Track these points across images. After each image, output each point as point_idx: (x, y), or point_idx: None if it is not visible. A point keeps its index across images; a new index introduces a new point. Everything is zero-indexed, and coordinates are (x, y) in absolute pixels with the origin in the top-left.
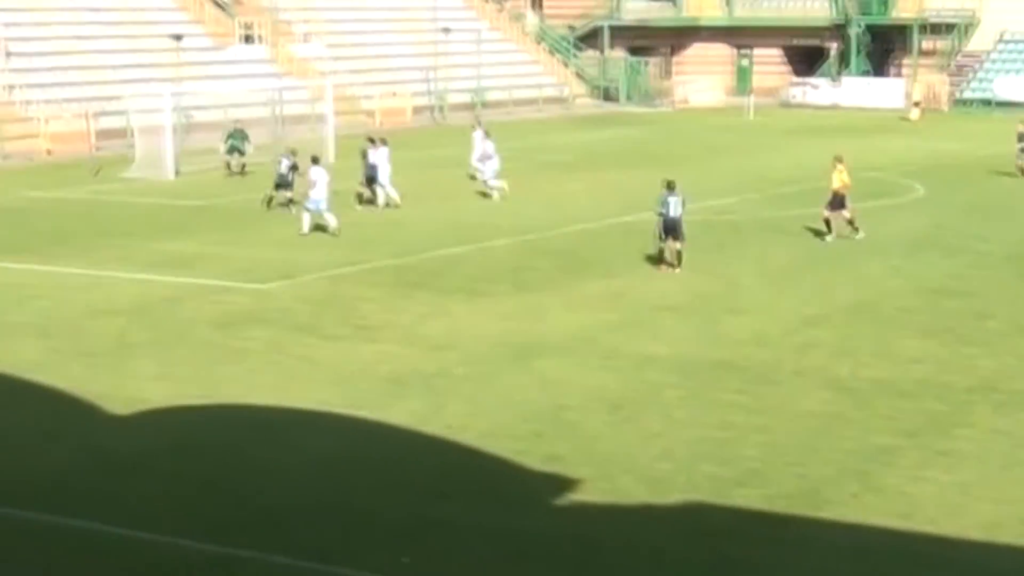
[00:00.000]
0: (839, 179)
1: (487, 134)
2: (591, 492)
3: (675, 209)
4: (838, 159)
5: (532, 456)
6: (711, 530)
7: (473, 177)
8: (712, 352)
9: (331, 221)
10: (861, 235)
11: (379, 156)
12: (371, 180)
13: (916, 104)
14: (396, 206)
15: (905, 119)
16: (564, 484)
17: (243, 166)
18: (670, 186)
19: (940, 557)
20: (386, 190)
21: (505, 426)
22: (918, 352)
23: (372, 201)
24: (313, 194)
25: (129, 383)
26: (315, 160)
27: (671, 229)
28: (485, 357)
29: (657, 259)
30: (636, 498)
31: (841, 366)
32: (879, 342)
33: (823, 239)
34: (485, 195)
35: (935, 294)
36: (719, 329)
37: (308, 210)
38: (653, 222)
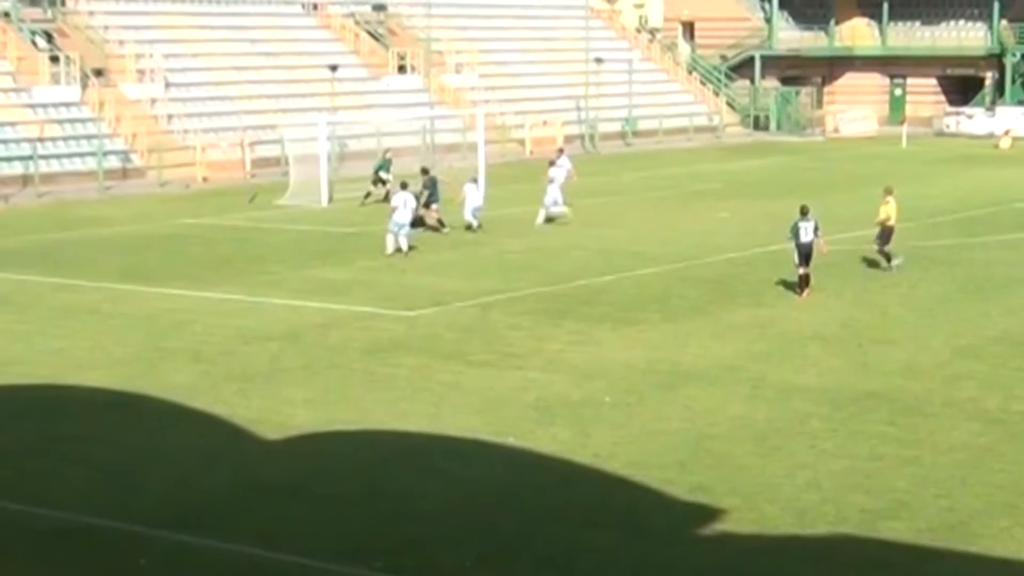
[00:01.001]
0: (886, 212)
1: (552, 161)
2: (737, 522)
3: (806, 234)
4: (888, 191)
5: (678, 486)
6: (858, 562)
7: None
8: (861, 383)
9: (403, 243)
10: (897, 261)
11: (472, 190)
12: (426, 205)
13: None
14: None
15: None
16: (710, 514)
17: (386, 193)
18: (803, 211)
19: None
20: (466, 218)
21: (652, 455)
22: None
23: (435, 226)
24: (396, 217)
25: (281, 408)
26: (404, 186)
27: (805, 254)
28: (632, 386)
29: (799, 285)
30: (782, 529)
31: (992, 398)
32: None
33: (883, 269)
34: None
35: None
36: (868, 359)
37: (391, 232)
38: (790, 249)
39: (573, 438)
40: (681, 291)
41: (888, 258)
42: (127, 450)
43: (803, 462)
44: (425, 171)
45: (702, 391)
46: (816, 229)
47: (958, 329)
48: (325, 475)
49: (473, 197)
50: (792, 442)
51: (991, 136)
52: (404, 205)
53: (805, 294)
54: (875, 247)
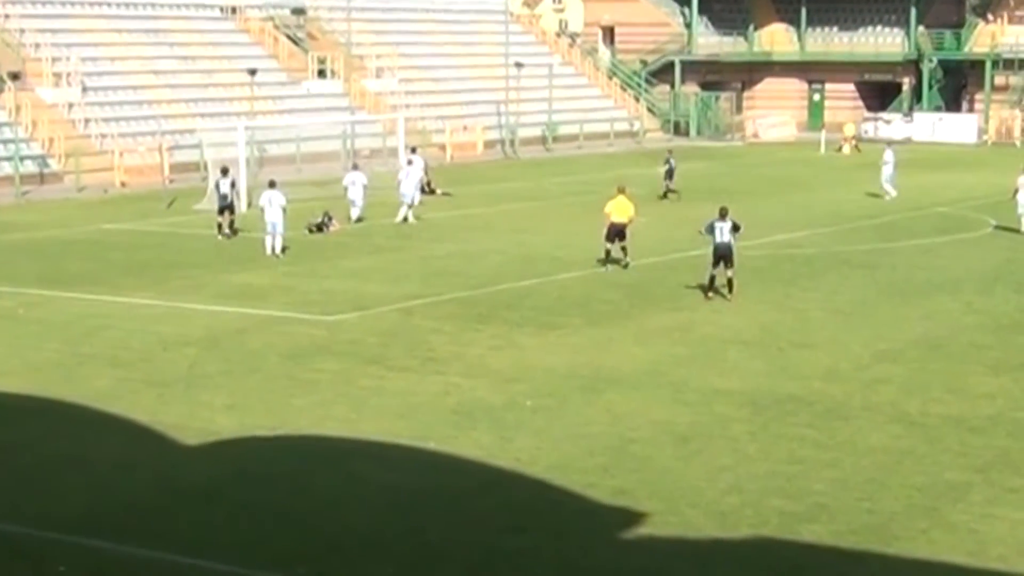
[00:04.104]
0: (625, 211)
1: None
2: (659, 526)
3: (722, 235)
4: (619, 190)
5: (600, 489)
6: (779, 565)
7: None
8: (781, 386)
9: (277, 244)
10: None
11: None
12: (223, 210)
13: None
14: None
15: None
16: (632, 518)
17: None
18: (721, 213)
19: None
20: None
21: (573, 459)
22: (990, 388)
23: (230, 230)
24: (266, 216)
25: (200, 413)
26: (272, 184)
27: (721, 256)
28: (554, 390)
29: (707, 287)
30: (704, 532)
31: (911, 402)
32: (950, 378)
33: (607, 268)
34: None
35: (1007, 330)
36: (789, 363)
37: (268, 233)
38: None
39: (495, 442)
40: (603, 295)
41: (608, 255)
42: (45, 457)
43: (724, 465)
44: (225, 171)
45: (624, 395)
46: (735, 229)
47: (878, 333)
48: (246, 481)
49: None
50: (713, 446)
51: (908, 142)
52: (270, 204)
53: (710, 296)
54: (607, 245)
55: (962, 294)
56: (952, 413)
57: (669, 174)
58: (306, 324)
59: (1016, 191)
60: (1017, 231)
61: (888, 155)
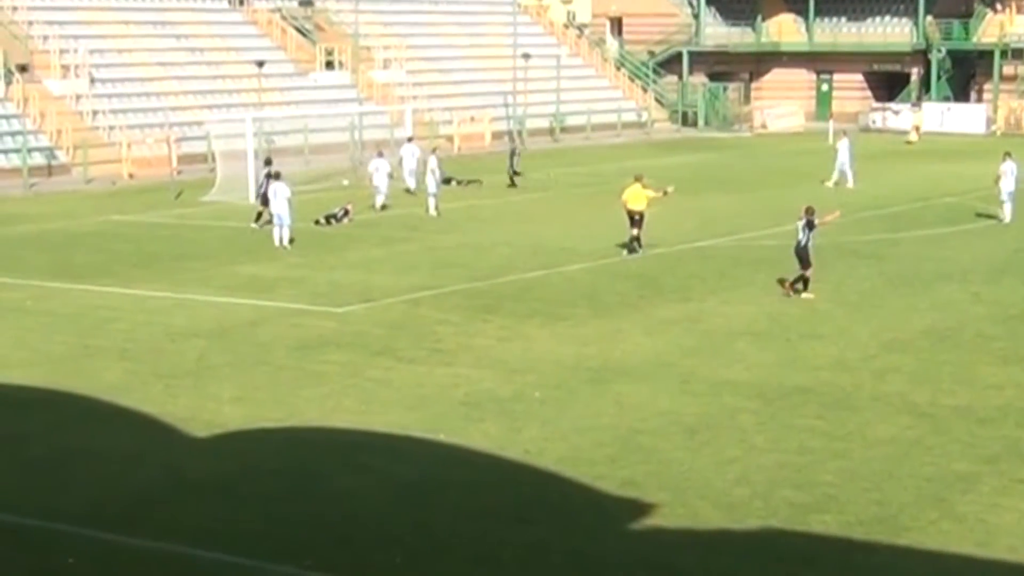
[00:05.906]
0: (640, 199)
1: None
2: (667, 517)
3: (798, 232)
4: (637, 178)
5: (609, 481)
6: (788, 556)
7: (408, 190)
8: (790, 377)
9: (285, 236)
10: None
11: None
12: (265, 202)
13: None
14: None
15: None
16: (640, 509)
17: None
18: (806, 211)
19: None
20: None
21: (582, 451)
22: (998, 378)
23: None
24: (272, 208)
25: (208, 406)
26: (277, 175)
27: (796, 254)
28: (562, 381)
29: (799, 287)
30: (712, 523)
31: (920, 392)
32: (959, 368)
33: (627, 255)
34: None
35: (1016, 320)
36: (797, 354)
37: (276, 224)
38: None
39: (503, 434)
40: (610, 286)
41: (634, 241)
42: (55, 449)
43: (733, 456)
44: (269, 162)
45: (632, 386)
46: (809, 226)
47: (886, 323)
48: (254, 473)
49: (408, 160)
50: (722, 436)
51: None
52: (275, 195)
53: (804, 294)
54: (634, 232)
55: (970, 284)
56: (961, 404)
57: (512, 156)
58: (314, 316)
59: (999, 178)
60: (1008, 220)
61: (843, 143)
